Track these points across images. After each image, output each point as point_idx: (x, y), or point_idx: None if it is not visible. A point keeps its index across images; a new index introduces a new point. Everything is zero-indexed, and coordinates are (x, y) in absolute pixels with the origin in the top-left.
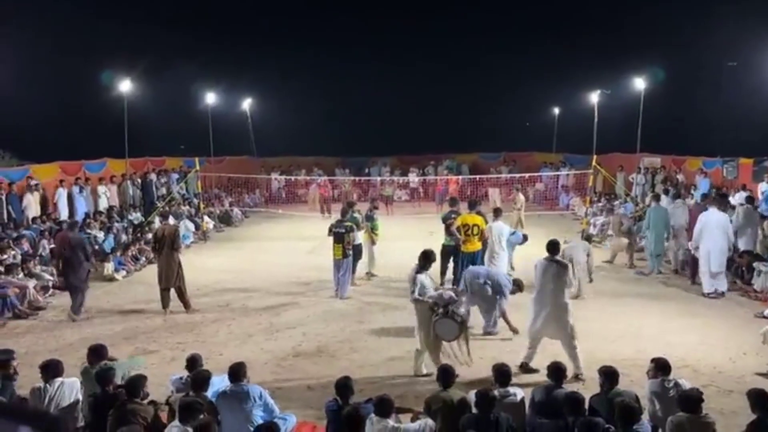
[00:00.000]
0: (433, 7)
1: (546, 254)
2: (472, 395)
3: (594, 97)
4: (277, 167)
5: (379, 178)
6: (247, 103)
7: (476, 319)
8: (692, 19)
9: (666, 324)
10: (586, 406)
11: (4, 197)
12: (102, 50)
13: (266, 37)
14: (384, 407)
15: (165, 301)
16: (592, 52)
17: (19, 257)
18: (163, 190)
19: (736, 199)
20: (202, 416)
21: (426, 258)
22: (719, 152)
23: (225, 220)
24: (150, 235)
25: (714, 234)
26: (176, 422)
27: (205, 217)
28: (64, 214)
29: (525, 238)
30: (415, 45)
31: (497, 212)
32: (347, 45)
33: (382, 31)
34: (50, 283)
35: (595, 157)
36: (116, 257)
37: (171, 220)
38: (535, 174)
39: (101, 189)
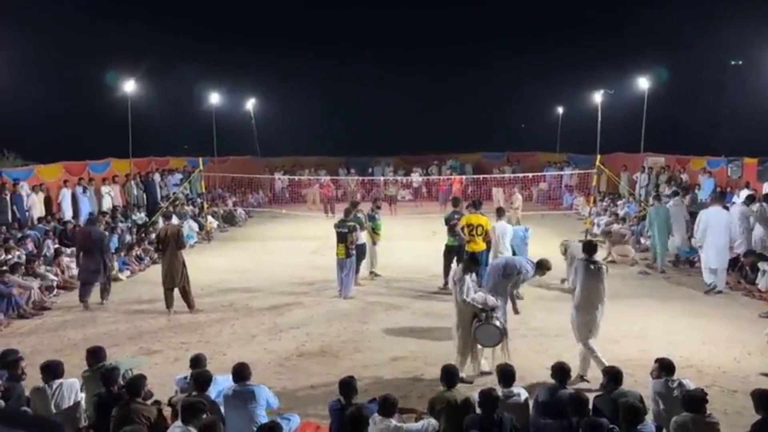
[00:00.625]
0: (436, 6)
1: (584, 255)
2: (475, 395)
3: (597, 97)
4: (281, 167)
5: (382, 178)
6: (250, 103)
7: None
8: (696, 19)
9: (670, 324)
10: (590, 406)
11: (8, 197)
12: (106, 51)
13: (270, 37)
14: (387, 407)
15: (169, 301)
16: (595, 52)
17: (23, 257)
18: (167, 190)
19: (741, 198)
20: (205, 416)
21: (472, 260)
22: (723, 152)
23: (229, 220)
24: (154, 236)
25: (715, 231)
26: (179, 422)
27: (209, 217)
28: (68, 214)
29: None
30: (419, 45)
31: (500, 212)
32: (350, 45)
33: (385, 31)
34: (54, 283)
35: (598, 156)
36: (120, 257)
37: (174, 220)
38: (539, 174)
39: (105, 189)
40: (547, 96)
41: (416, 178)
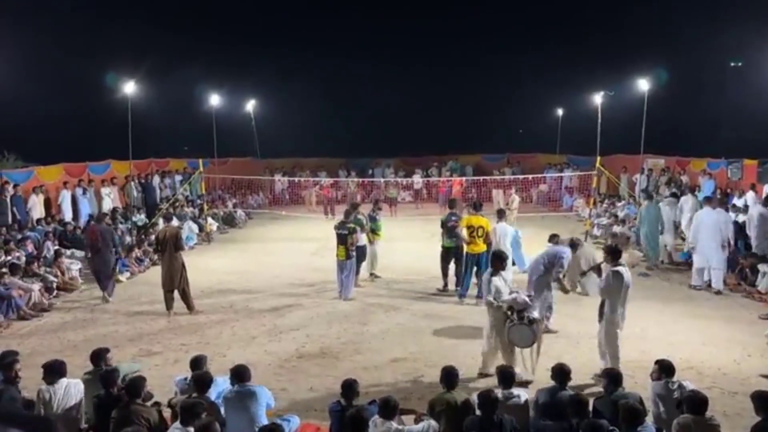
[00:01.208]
0: (436, 7)
1: (612, 261)
2: (475, 397)
3: (597, 98)
4: (281, 169)
5: (383, 180)
6: (250, 105)
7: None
8: (695, 20)
9: (670, 326)
10: (590, 408)
11: (8, 199)
12: (106, 52)
13: (270, 38)
14: (388, 409)
15: (169, 302)
16: (595, 53)
17: (23, 258)
18: (167, 192)
19: (746, 200)
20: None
21: (499, 260)
22: (723, 153)
23: (229, 221)
24: (153, 237)
25: (708, 232)
26: (177, 424)
27: (209, 219)
28: (68, 215)
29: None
30: (419, 46)
31: (501, 213)
32: (350, 46)
33: (385, 33)
34: (54, 285)
35: (598, 158)
36: (120, 259)
37: (175, 222)
38: (539, 175)
39: (104, 191)
40: (547, 97)
41: (417, 179)
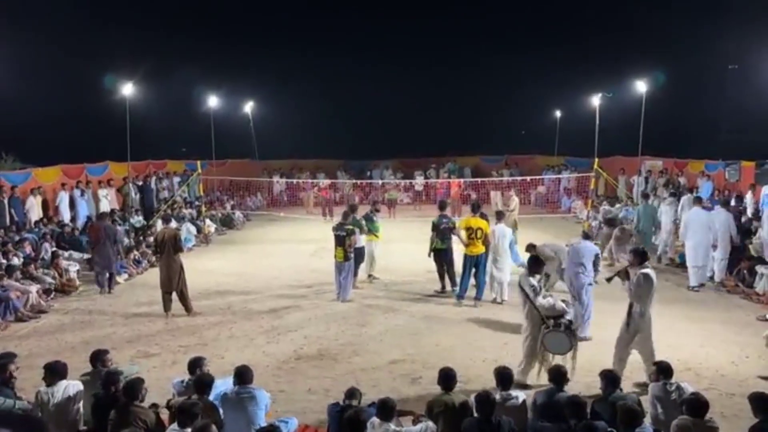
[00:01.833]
0: (435, 8)
1: (639, 264)
2: (473, 399)
3: (595, 100)
4: (279, 170)
5: (380, 181)
6: (248, 106)
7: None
8: (694, 22)
9: (668, 327)
10: (588, 409)
11: (6, 200)
12: (104, 53)
13: (268, 39)
14: (386, 410)
15: (167, 304)
16: (593, 55)
17: (21, 259)
18: (165, 193)
19: (745, 202)
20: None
21: (537, 263)
22: (721, 155)
23: (227, 223)
24: (152, 239)
25: (698, 231)
26: (175, 425)
27: (207, 220)
28: (66, 217)
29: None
30: (417, 47)
31: (499, 215)
32: (349, 47)
33: (384, 33)
34: (52, 287)
35: (596, 160)
36: (118, 261)
37: (173, 224)
38: (537, 177)
39: (102, 192)
40: (545, 99)
41: (420, 180)
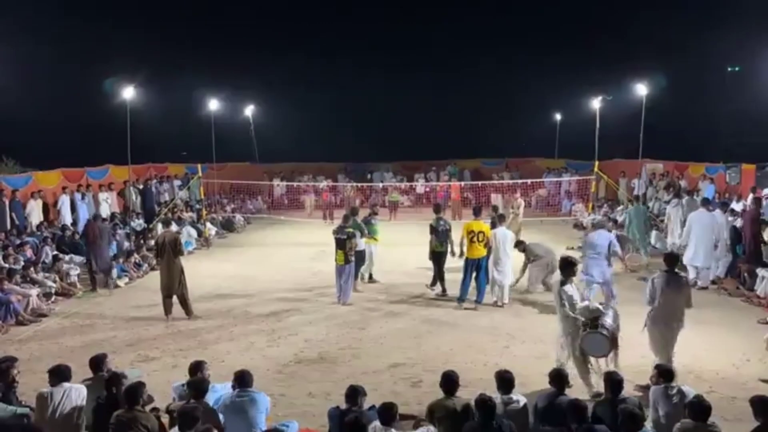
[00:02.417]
0: (435, 13)
1: (665, 267)
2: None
3: (596, 103)
4: (279, 173)
5: (381, 185)
6: (249, 110)
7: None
8: (694, 25)
9: None
10: (590, 413)
11: (7, 204)
12: (105, 58)
13: (269, 43)
14: (387, 414)
15: (167, 308)
16: (593, 58)
17: (21, 263)
18: (166, 197)
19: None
20: (200, 423)
21: (568, 266)
22: (722, 158)
23: (227, 226)
24: (152, 242)
25: (700, 233)
26: (175, 430)
27: (208, 224)
28: (67, 220)
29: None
30: (417, 51)
31: (501, 218)
32: (350, 52)
33: (384, 38)
34: (53, 290)
35: (597, 163)
36: (119, 264)
37: (174, 227)
38: (538, 180)
39: (102, 195)
40: (545, 102)
41: (422, 182)
